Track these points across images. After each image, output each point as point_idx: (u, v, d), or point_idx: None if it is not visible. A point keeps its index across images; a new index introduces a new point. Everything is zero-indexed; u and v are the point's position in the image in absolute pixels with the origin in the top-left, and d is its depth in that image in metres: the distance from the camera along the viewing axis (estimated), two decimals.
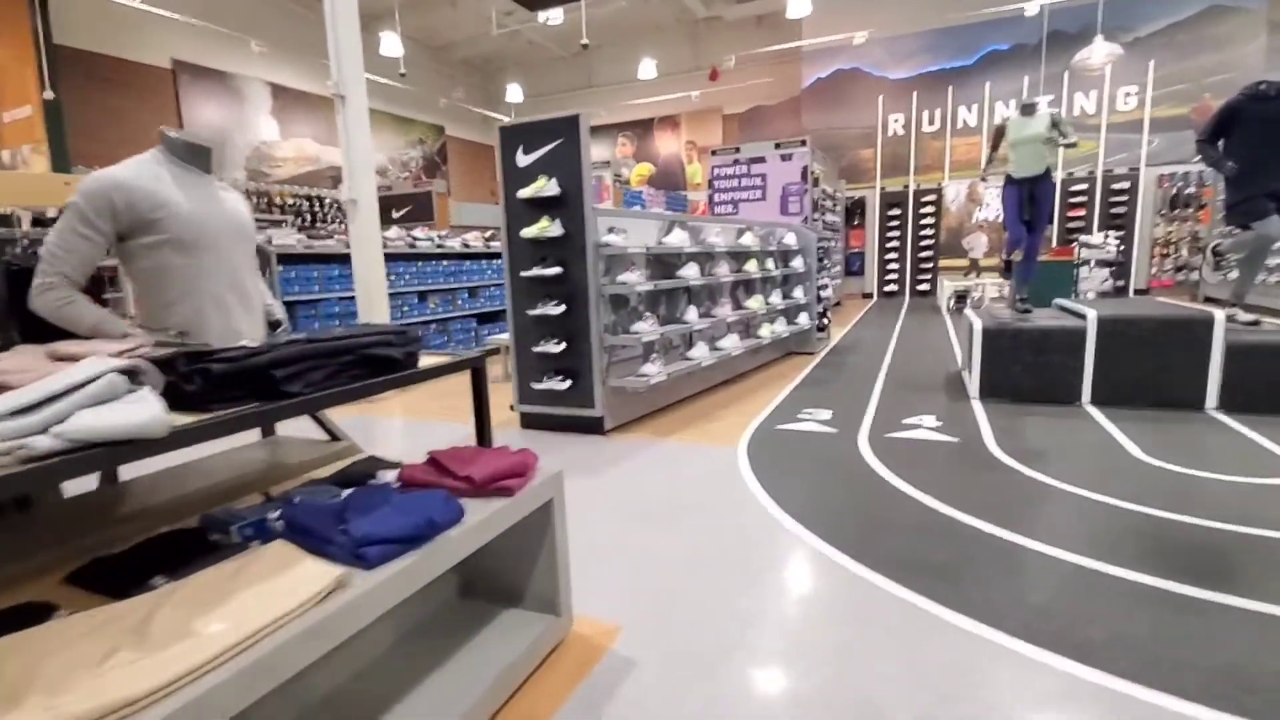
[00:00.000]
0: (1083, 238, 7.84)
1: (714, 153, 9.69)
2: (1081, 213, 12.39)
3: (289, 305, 5.20)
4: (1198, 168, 11.29)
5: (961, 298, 10.52)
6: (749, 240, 5.41)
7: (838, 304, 12.53)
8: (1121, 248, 7.82)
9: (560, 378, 3.87)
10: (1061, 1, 11.13)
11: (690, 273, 4.43)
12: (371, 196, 5.20)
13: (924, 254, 13.81)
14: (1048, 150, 4.64)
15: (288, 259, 5.40)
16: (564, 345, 3.83)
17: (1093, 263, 7.49)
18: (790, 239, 6.36)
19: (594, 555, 2.35)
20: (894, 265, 14.14)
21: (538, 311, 3.81)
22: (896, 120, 13.68)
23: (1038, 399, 4.31)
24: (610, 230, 3.80)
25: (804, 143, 9.00)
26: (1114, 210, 12.21)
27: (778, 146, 9.20)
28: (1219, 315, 3.93)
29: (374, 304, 5.22)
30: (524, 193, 3.72)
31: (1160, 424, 3.72)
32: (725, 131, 16.59)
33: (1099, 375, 4.18)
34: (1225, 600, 1.89)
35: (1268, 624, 1.77)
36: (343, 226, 9.74)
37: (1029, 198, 4.66)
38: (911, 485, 2.90)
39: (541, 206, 3.77)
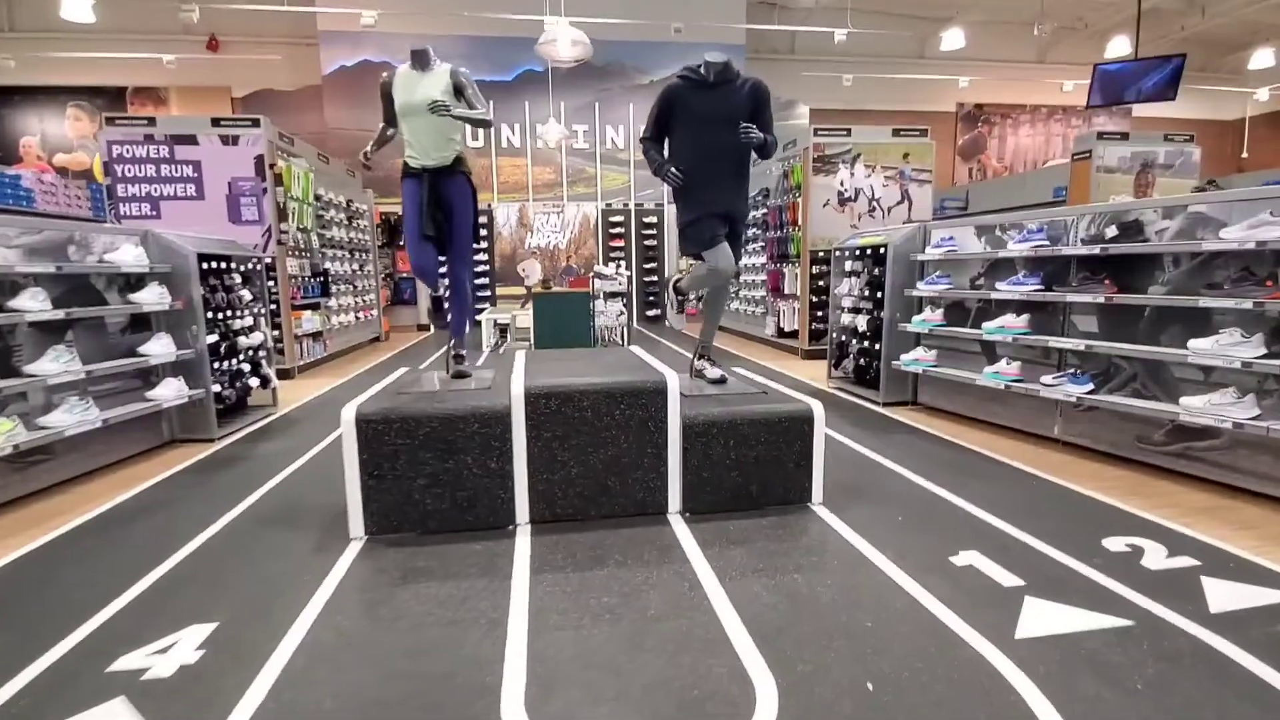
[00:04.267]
0: (596, 268, 7.10)
1: (110, 120, 6.35)
2: (621, 243, 12.64)
3: None
4: None
5: (506, 332, 9.25)
6: None
7: (376, 339, 10.22)
8: (629, 275, 7.44)
9: None
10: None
11: None
12: None
13: (480, 280, 12.48)
14: (453, 128, 3.07)
15: None
16: None
17: (603, 296, 6.70)
18: (126, 253, 3.72)
19: None
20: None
21: None
22: None
23: (453, 527, 2.62)
24: None
25: (256, 122, 6.41)
26: (647, 243, 12.76)
27: (216, 123, 6.40)
28: (672, 381, 2.77)
29: None
30: None
31: (619, 572, 2.28)
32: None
33: (535, 481, 2.68)
34: None
35: None
36: None
37: (434, 201, 3.03)
38: None
39: None
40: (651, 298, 12.83)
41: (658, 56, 12.29)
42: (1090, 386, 3.34)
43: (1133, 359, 3.26)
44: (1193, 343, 2.85)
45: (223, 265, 4.56)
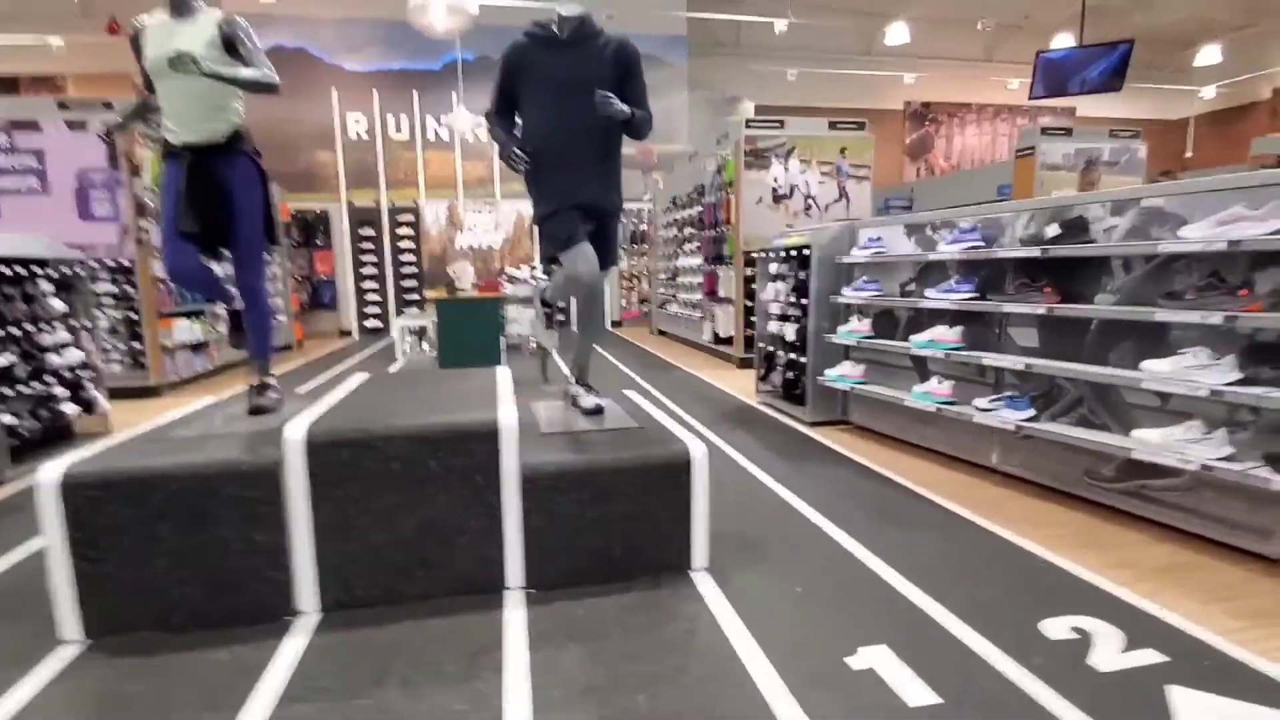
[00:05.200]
0: (507, 269, 6.44)
1: None
2: None
3: None
4: (649, 204, 11.79)
5: (424, 339, 8.51)
6: None
7: (286, 348, 9.36)
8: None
9: None
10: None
11: None
12: None
13: (408, 283, 11.69)
14: (225, 95, 2.38)
15: None
16: None
17: (537, 299, 6.04)
18: None
19: None
20: (375, 296, 11.65)
21: None
22: (358, 121, 11.25)
23: (208, 620, 1.96)
24: None
25: (109, 105, 5.59)
26: None
27: (63, 106, 5.56)
28: (508, 421, 2.15)
29: None
30: None
31: (397, 699, 1.65)
32: None
33: (324, 556, 2.04)
34: None
35: None
36: None
37: (200, 189, 2.33)
38: None
39: None
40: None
41: None
42: (1030, 412, 2.84)
43: (1078, 380, 2.77)
44: (1147, 364, 2.36)
45: (22, 270, 3.78)
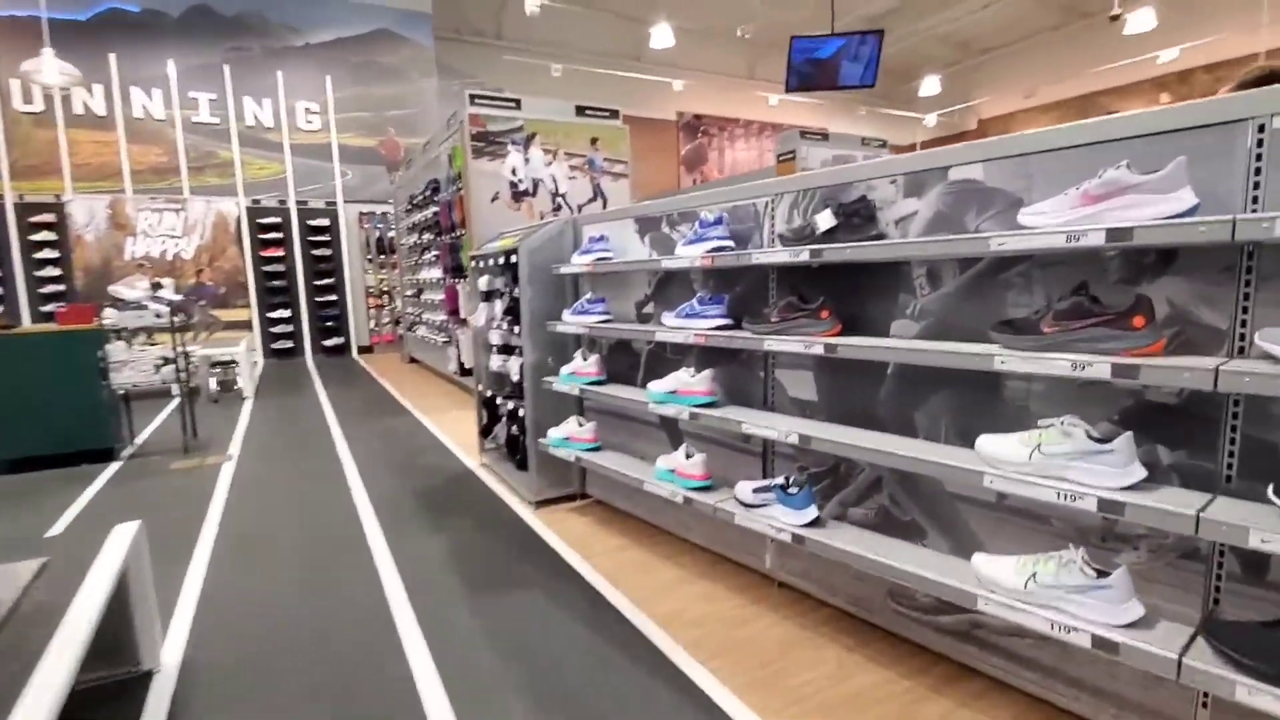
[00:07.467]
0: (119, 288, 4.36)
1: None
2: (280, 252, 9.58)
3: None
4: (393, 206, 9.90)
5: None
6: None
7: None
8: (182, 298, 4.74)
9: None
10: None
11: None
12: None
13: (54, 305, 8.51)
14: None
15: None
16: None
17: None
18: None
19: None
20: (6, 322, 8.29)
21: None
22: None
23: None
24: None
25: None
26: (316, 252, 9.86)
27: None
28: None
29: None
30: None
31: None
32: None
33: None
34: None
35: None
36: None
37: None
38: None
39: None
40: (329, 322, 9.98)
41: (316, 12, 9.57)
42: (811, 514, 1.79)
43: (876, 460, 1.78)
44: (986, 444, 1.38)
45: None
